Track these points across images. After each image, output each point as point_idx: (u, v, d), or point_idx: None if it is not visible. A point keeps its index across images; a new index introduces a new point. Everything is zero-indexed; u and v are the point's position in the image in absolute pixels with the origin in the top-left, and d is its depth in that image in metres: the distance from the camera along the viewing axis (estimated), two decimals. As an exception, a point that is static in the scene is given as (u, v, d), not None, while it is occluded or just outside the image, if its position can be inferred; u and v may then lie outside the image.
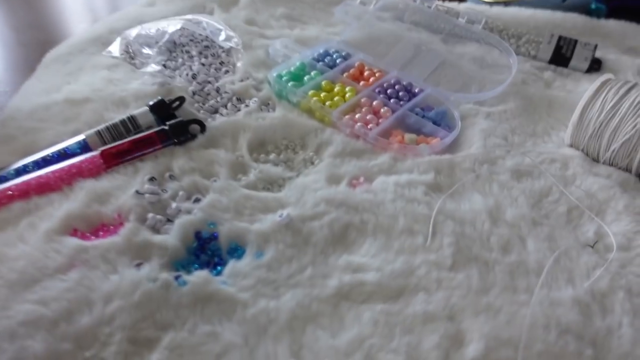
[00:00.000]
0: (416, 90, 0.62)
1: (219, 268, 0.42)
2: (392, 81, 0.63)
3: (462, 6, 0.81)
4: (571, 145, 0.55)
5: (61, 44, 0.71)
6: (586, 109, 0.53)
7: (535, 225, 0.45)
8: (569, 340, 0.37)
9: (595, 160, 0.53)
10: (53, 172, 0.48)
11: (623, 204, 0.47)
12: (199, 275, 0.39)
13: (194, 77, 0.62)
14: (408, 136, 0.56)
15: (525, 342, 0.36)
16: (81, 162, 0.49)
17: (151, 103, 0.55)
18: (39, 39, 0.77)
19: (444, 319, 0.38)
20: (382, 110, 0.58)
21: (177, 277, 0.39)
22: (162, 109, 0.55)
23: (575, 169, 0.52)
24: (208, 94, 0.60)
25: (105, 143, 0.52)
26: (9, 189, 0.46)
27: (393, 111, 0.58)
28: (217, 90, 0.61)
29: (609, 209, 0.47)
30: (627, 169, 0.51)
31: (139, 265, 0.40)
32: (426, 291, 0.40)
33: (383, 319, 0.37)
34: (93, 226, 0.44)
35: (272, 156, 0.53)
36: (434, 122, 0.58)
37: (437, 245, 0.43)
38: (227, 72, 0.65)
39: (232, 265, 0.41)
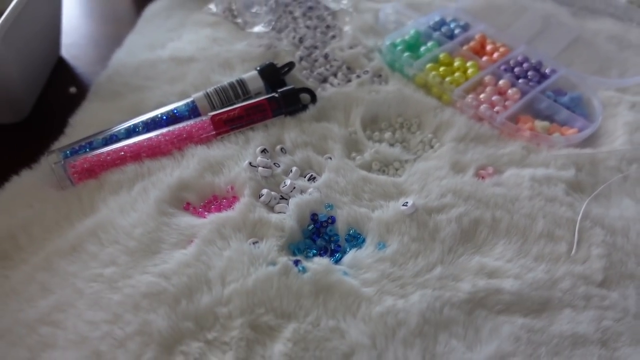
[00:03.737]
0: (547, 71, 0.55)
1: (337, 255, 0.39)
2: (519, 58, 0.56)
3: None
4: None
5: (160, -2, 0.68)
6: None
7: (702, 243, 0.39)
8: None
9: None
10: (163, 135, 0.46)
11: None
12: (320, 263, 0.37)
13: (300, 40, 0.58)
14: (540, 123, 0.49)
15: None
16: (191, 126, 0.46)
17: (260, 67, 0.52)
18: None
19: (597, 343, 0.33)
20: (509, 91, 0.52)
21: (296, 263, 0.37)
22: (272, 75, 0.51)
23: None
24: (315, 61, 0.56)
25: (213, 107, 0.49)
26: (121, 149, 0.45)
27: (523, 93, 0.52)
28: (326, 56, 0.57)
29: None
30: None
31: (255, 243, 0.38)
32: (573, 308, 0.35)
33: (525, 336, 0.33)
34: (204, 197, 0.42)
35: (387, 135, 0.49)
36: (568, 109, 0.51)
37: (583, 255, 0.38)
38: (333, 37, 0.60)
39: (352, 254, 0.38)
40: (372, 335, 0.33)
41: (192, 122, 0.47)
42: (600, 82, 0.54)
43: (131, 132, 0.47)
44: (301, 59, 0.56)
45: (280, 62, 0.53)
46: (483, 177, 0.44)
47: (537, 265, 0.37)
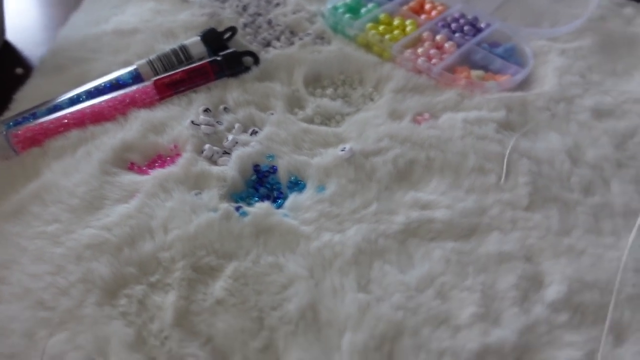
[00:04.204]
0: (482, 25, 0.57)
1: (279, 201, 0.40)
2: (456, 15, 0.58)
3: None
4: (658, 85, 0.50)
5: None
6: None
7: (620, 167, 0.42)
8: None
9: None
10: (107, 101, 0.46)
11: None
12: (260, 207, 0.38)
13: (244, 8, 0.59)
14: (475, 72, 0.51)
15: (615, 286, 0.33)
16: (134, 92, 0.47)
17: (202, 33, 0.52)
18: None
19: (521, 259, 0.35)
20: (446, 44, 0.54)
21: (237, 208, 0.38)
22: (214, 40, 0.52)
23: (663, 110, 0.47)
24: (259, 27, 0.57)
25: (157, 73, 0.50)
26: (64, 117, 0.45)
27: (458, 46, 0.54)
28: (269, 22, 0.58)
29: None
30: None
31: (197, 194, 0.39)
32: (500, 231, 0.37)
33: (455, 258, 0.35)
34: (149, 157, 0.43)
35: (329, 91, 0.50)
36: (502, 59, 0.53)
37: (511, 184, 0.40)
38: (277, 4, 0.61)
39: (293, 198, 0.39)
40: (309, 268, 0.35)
41: (135, 88, 0.47)
42: (533, 33, 0.57)
43: (75, 101, 0.47)
44: (245, 25, 0.57)
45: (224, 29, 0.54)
46: (419, 122, 0.46)
47: (468, 196, 0.39)
